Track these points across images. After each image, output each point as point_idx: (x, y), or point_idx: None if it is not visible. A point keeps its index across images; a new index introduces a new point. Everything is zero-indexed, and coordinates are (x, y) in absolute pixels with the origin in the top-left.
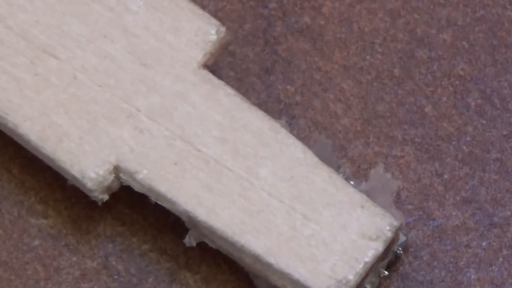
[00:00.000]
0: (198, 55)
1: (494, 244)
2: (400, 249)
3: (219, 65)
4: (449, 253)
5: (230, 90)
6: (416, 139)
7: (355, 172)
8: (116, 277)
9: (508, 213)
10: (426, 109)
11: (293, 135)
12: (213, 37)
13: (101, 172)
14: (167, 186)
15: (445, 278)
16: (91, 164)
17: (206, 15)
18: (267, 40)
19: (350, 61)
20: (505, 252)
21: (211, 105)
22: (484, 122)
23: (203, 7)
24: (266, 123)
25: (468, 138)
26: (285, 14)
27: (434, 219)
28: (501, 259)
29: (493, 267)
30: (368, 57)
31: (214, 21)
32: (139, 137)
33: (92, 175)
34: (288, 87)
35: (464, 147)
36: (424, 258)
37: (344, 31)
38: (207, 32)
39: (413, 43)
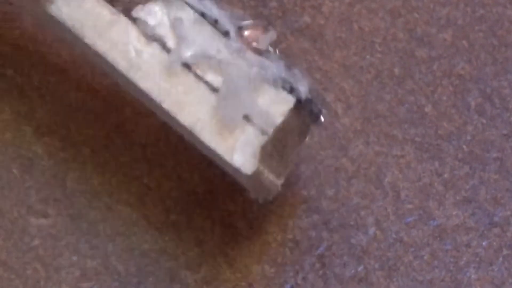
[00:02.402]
0: None
1: (494, 243)
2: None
3: None
4: (449, 253)
5: None
6: (416, 139)
7: (355, 171)
8: (116, 276)
9: (508, 212)
10: (426, 109)
11: None
12: None
13: None
14: None
15: (445, 277)
16: None
17: None
18: None
19: (350, 61)
20: (505, 251)
21: None
22: (484, 121)
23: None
24: None
25: (468, 138)
26: (285, 13)
27: (434, 219)
28: (501, 259)
29: (493, 267)
30: (368, 56)
31: None
32: None
33: None
34: None
35: (464, 147)
36: (425, 258)
37: (344, 31)
38: None
39: (413, 42)
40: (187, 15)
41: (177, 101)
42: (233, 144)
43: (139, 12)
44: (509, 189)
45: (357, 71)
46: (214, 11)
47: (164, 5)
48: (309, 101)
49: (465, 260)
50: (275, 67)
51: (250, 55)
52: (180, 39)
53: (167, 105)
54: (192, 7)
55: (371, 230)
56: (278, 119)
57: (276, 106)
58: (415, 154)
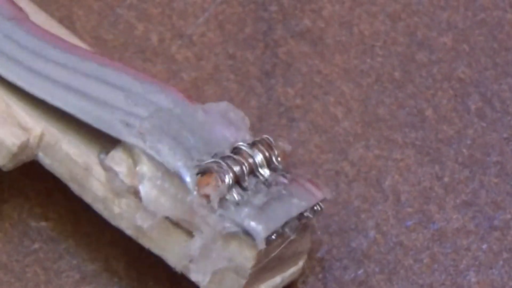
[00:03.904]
0: None
1: (494, 247)
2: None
3: (219, 68)
4: (449, 256)
5: None
6: (416, 142)
7: (356, 175)
8: (116, 280)
9: (508, 216)
10: (426, 112)
11: (293, 137)
12: None
13: None
14: None
15: (445, 281)
16: None
17: None
18: (268, 43)
19: (350, 64)
20: (505, 255)
21: None
22: (484, 125)
23: (204, 10)
24: None
25: (469, 141)
26: (285, 17)
27: (434, 222)
28: (501, 262)
29: (493, 270)
30: (368, 60)
31: None
32: None
33: None
34: (288, 90)
35: (464, 150)
36: (424, 261)
37: (345, 34)
38: None
39: (414, 46)
40: (149, 169)
41: (157, 245)
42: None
43: (109, 161)
44: (509, 192)
45: (358, 75)
46: (175, 160)
47: (129, 153)
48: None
49: (465, 263)
50: (242, 219)
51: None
52: (145, 200)
53: (148, 246)
54: (149, 157)
55: (371, 234)
56: (249, 264)
57: (244, 252)
58: (415, 157)
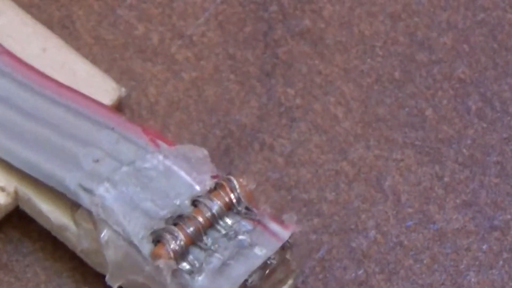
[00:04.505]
0: None
1: (495, 247)
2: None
3: (219, 68)
4: (450, 256)
5: None
6: (416, 142)
7: (356, 175)
8: None
9: (509, 216)
10: (426, 112)
11: (294, 137)
12: None
13: None
14: None
15: (446, 281)
16: None
17: None
18: (268, 43)
19: (350, 64)
20: (505, 255)
21: None
22: (485, 125)
23: (204, 10)
24: None
25: (469, 141)
26: (285, 17)
27: (434, 223)
28: (501, 262)
29: (494, 270)
30: (368, 60)
31: None
32: None
33: None
34: (288, 90)
35: (464, 150)
36: (425, 262)
37: (345, 34)
38: None
39: (414, 46)
40: (109, 235)
41: None
42: None
43: (78, 217)
44: (509, 193)
45: (358, 75)
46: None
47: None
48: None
49: (465, 263)
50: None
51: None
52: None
53: None
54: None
55: (372, 234)
56: None
57: None
58: (416, 157)
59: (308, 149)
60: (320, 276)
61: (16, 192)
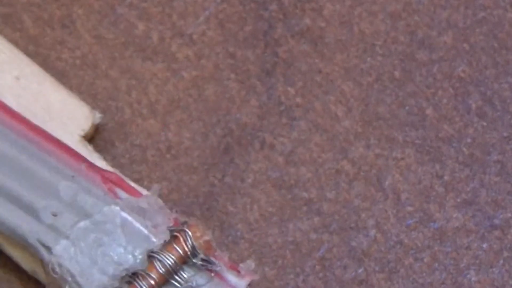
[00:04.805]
0: None
1: (495, 246)
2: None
3: (219, 67)
4: (450, 255)
5: None
6: (416, 141)
7: (356, 174)
8: None
9: (509, 215)
10: (426, 111)
11: (294, 136)
12: None
13: None
14: None
15: (446, 280)
16: None
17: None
18: (268, 42)
19: (350, 63)
20: (505, 254)
21: None
22: (485, 124)
23: (204, 9)
24: None
25: (469, 140)
26: (285, 16)
27: (434, 221)
28: (501, 261)
29: (494, 269)
30: (368, 59)
31: None
32: None
33: None
34: (288, 89)
35: (464, 149)
36: (425, 260)
37: (345, 33)
38: None
39: (414, 45)
40: None
41: None
42: None
43: (47, 266)
44: (509, 191)
45: (358, 74)
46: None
47: None
48: None
49: (465, 262)
50: None
51: None
52: None
53: None
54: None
55: (372, 233)
56: None
57: None
58: (416, 156)
59: (308, 148)
60: (320, 275)
61: None
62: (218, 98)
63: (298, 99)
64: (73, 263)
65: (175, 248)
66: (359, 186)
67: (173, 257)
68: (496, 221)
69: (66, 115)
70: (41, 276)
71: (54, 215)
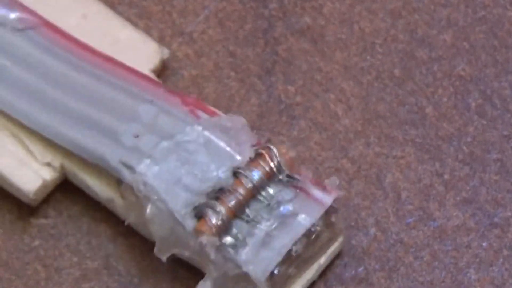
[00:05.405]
0: None
1: (495, 244)
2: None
3: (219, 65)
4: (450, 254)
5: None
6: (416, 140)
7: (356, 172)
8: (116, 277)
9: (509, 213)
10: (426, 110)
11: (294, 135)
12: None
13: None
14: None
15: (446, 278)
16: None
17: None
18: (268, 40)
19: (350, 62)
20: (505, 252)
21: None
22: (485, 122)
23: (204, 7)
24: None
25: (469, 139)
26: (285, 14)
27: (434, 220)
28: (501, 260)
29: (494, 268)
30: (368, 57)
31: None
32: None
33: None
34: (288, 87)
35: (464, 148)
36: (425, 259)
37: (345, 32)
38: None
39: (414, 43)
40: (153, 211)
41: None
42: None
43: (124, 191)
44: (509, 190)
45: (358, 72)
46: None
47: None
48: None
49: (465, 261)
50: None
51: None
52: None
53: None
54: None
55: (372, 231)
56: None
57: (255, 286)
58: (416, 155)
59: (308, 147)
60: (320, 273)
61: (62, 167)
62: (218, 96)
63: (298, 98)
64: (157, 181)
65: (261, 164)
66: (359, 185)
67: (259, 172)
68: (496, 220)
69: (134, 51)
70: (118, 203)
71: (136, 136)
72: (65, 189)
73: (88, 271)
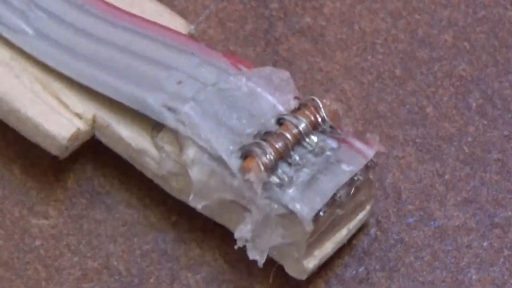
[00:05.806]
0: None
1: (495, 244)
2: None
3: None
4: (450, 254)
5: None
6: (417, 140)
7: None
8: (117, 277)
9: (509, 213)
10: (427, 110)
11: None
12: None
13: None
14: None
15: (446, 278)
16: None
17: None
18: (268, 40)
19: (351, 62)
20: (506, 252)
21: None
22: (485, 122)
23: (204, 7)
24: None
25: (469, 139)
26: (286, 14)
27: (435, 220)
28: (502, 260)
29: (494, 268)
30: (369, 57)
31: None
32: None
33: None
34: None
35: (465, 148)
36: (425, 259)
37: (345, 32)
38: None
39: (414, 43)
40: (195, 153)
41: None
42: None
43: (160, 141)
44: (510, 190)
45: (358, 72)
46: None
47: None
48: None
49: (466, 260)
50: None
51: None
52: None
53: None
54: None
55: (372, 231)
56: (303, 238)
57: (296, 228)
58: (416, 155)
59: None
60: (321, 273)
61: (94, 120)
62: None
63: None
64: (202, 121)
65: (305, 113)
66: None
67: (304, 120)
68: (497, 220)
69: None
70: (150, 155)
71: (179, 83)
72: (65, 189)
73: (89, 271)
